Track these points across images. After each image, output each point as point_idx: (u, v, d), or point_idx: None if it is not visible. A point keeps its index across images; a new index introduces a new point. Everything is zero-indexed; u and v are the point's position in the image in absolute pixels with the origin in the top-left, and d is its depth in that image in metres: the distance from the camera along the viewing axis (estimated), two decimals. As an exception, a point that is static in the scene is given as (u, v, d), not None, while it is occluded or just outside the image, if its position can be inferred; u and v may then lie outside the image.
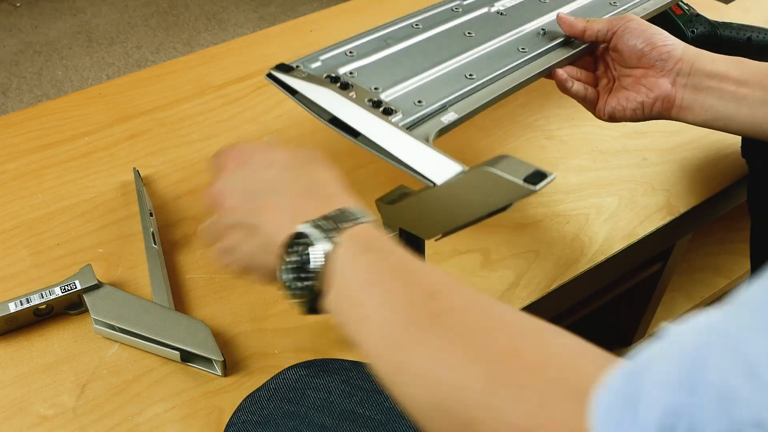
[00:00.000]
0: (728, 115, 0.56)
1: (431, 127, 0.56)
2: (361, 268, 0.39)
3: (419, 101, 0.58)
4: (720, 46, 0.91)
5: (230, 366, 0.59)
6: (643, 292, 0.98)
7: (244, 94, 0.86)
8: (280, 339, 0.61)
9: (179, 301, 0.63)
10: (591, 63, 0.68)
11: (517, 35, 0.68)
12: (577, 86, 0.65)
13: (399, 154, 0.50)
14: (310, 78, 0.59)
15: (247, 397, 0.51)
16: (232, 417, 0.50)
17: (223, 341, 0.61)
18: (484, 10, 0.72)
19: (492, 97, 0.61)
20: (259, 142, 0.51)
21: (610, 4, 0.73)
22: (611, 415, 0.25)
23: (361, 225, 0.41)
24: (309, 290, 0.40)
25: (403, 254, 0.40)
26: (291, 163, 0.46)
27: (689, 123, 0.60)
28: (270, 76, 0.60)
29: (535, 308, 0.66)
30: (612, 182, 0.77)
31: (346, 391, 0.49)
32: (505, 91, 0.62)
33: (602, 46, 0.66)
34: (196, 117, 0.83)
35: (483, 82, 0.62)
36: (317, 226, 0.40)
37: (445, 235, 0.50)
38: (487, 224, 0.72)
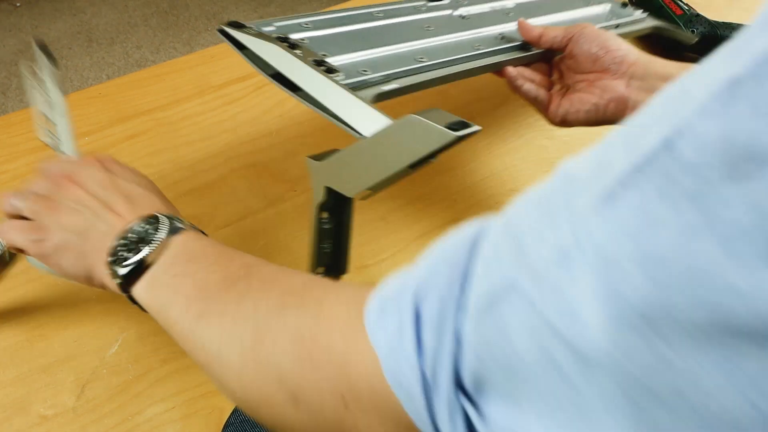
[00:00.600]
0: None
1: (370, 92, 0.57)
2: (188, 249, 0.43)
3: (364, 70, 0.59)
4: (720, 46, 0.91)
5: (230, 366, 0.59)
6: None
7: (244, 94, 0.86)
8: (280, 339, 0.61)
9: (179, 301, 0.63)
10: (547, 70, 0.68)
11: (475, 35, 0.69)
12: (528, 86, 0.65)
13: (333, 107, 0.52)
14: (260, 35, 0.59)
15: None
16: (230, 417, 0.50)
17: (223, 341, 0.61)
18: (448, 12, 0.73)
19: (436, 77, 0.61)
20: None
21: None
22: (380, 310, 0.28)
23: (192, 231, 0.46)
24: (137, 262, 0.43)
25: (223, 248, 0.44)
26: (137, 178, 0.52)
27: None
28: (221, 31, 0.60)
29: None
30: (612, 182, 0.77)
31: None
32: (451, 74, 0.62)
33: (558, 56, 0.66)
34: (196, 117, 0.83)
35: (431, 65, 0.62)
36: (166, 217, 0.45)
37: (372, 191, 0.49)
38: (487, 224, 0.72)
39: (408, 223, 0.72)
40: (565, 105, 0.63)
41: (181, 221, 0.46)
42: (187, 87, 0.87)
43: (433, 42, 0.66)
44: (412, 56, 0.63)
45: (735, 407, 0.17)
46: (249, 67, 0.81)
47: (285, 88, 0.55)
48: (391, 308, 0.27)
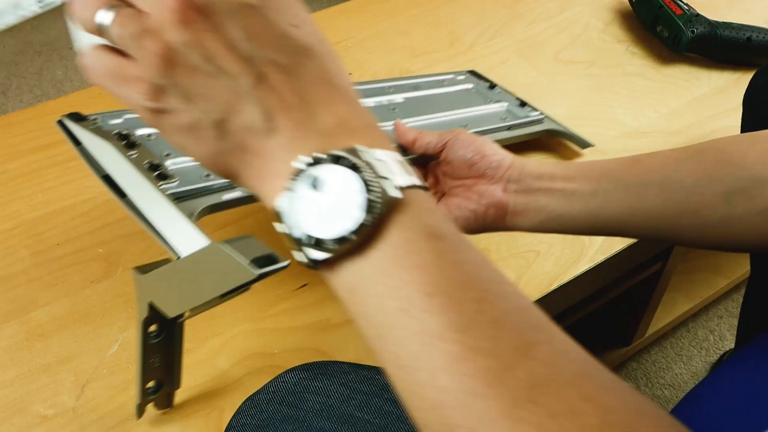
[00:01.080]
0: (562, 213, 0.54)
1: (206, 200, 0.54)
2: (420, 262, 0.27)
3: (207, 174, 0.55)
4: (720, 46, 0.91)
5: (230, 366, 0.59)
6: (643, 292, 0.98)
7: (244, 94, 0.86)
8: (280, 339, 0.61)
9: (179, 301, 0.63)
10: (422, 174, 0.64)
11: None
12: None
13: (153, 219, 0.46)
14: (97, 130, 0.53)
15: (246, 400, 0.51)
16: (231, 420, 0.50)
17: (223, 341, 0.61)
18: None
19: None
20: None
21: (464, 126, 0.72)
22: None
23: (420, 190, 0.30)
24: (340, 241, 0.28)
25: (476, 258, 0.29)
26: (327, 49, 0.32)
27: (525, 230, 0.57)
28: (60, 123, 0.54)
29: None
30: (612, 182, 0.77)
31: (345, 395, 0.49)
32: None
33: (433, 162, 0.63)
34: (196, 117, 0.83)
35: None
36: (369, 160, 0.28)
37: (192, 313, 0.44)
38: (487, 224, 0.72)
39: (408, 223, 0.72)
40: (442, 210, 0.55)
41: (391, 172, 0.29)
42: (187, 87, 0.87)
43: None
44: None
45: None
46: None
47: (115, 194, 0.48)
48: None
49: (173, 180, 0.53)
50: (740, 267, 1.15)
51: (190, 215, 0.47)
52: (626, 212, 0.51)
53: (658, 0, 0.94)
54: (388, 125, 0.68)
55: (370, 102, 0.74)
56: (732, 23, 0.91)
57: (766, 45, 0.90)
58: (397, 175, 0.29)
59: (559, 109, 0.85)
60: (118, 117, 0.59)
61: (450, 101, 0.78)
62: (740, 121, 0.74)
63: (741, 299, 0.87)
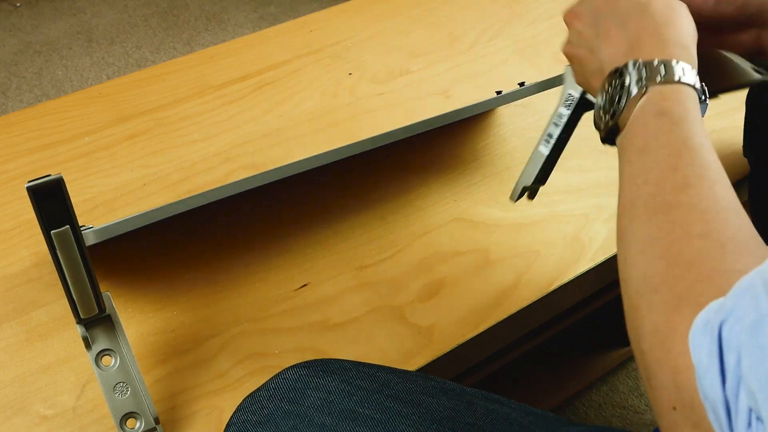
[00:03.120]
0: None
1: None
2: (647, 131, 0.41)
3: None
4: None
5: (231, 366, 0.59)
6: (643, 292, 0.97)
7: (244, 94, 0.86)
8: (280, 339, 0.61)
9: (179, 301, 0.63)
10: None
11: None
12: None
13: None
14: None
15: (247, 397, 0.51)
16: (232, 417, 0.50)
17: (223, 341, 0.61)
18: None
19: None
20: None
21: None
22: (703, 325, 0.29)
23: (672, 86, 0.42)
24: (606, 123, 0.45)
25: (688, 130, 0.41)
26: None
27: None
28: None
29: (535, 308, 0.66)
30: (612, 182, 0.77)
31: (346, 391, 0.49)
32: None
33: None
34: (196, 117, 0.83)
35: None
36: (638, 70, 0.43)
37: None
38: (487, 224, 0.72)
39: (408, 223, 0.72)
40: None
41: (653, 73, 0.43)
42: (187, 87, 0.87)
43: None
44: None
45: None
46: (249, 67, 0.81)
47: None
48: (706, 326, 0.29)
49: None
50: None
51: None
52: None
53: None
54: None
55: None
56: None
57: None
58: (660, 77, 0.43)
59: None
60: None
61: None
62: (743, 121, 0.74)
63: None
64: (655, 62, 0.43)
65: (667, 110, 0.41)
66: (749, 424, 0.25)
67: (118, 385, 0.53)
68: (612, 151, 0.86)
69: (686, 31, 0.46)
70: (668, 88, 0.42)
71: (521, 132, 0.83)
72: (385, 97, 0.86)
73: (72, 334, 0.60)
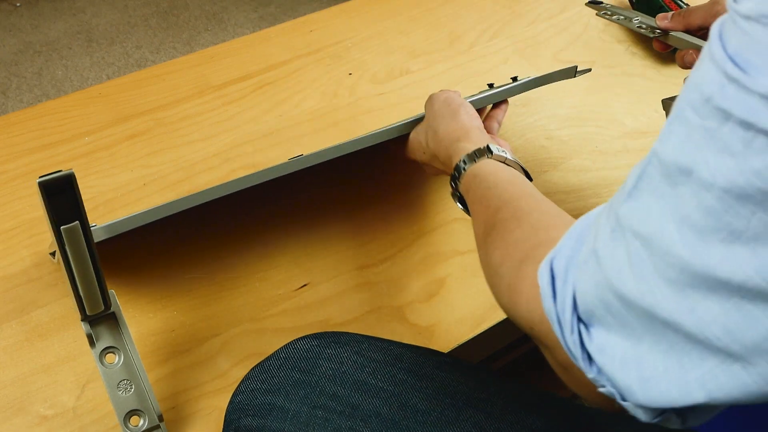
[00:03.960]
0: None
1: None
2: (476, 189, 0.54)
3: None
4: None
5: (230, 366, 0.59)
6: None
7: (244, 94, 0.86)
8: (280, 339, 0.61)
9: (179, 301, 0.63)
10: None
11: None
12: None
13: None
14: None
15: (256, 366, 0.50)
16: (239, 385, 0.50)
17: (223, 341, 0.61)
18: None
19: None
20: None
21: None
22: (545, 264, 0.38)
23: (473, 166, 0.56)
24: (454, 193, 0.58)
25: (490, 182, 0.53)
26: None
27: None
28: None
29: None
30: (612, 182, 0.77)
31: (358, 362, 0.49)
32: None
33: None
34: (196, 117, 0.83)
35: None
36: (462, 160, 0.57)
37: None
38: (487, 224, 0.72)
39: (408, 223, 0.72)
40: None
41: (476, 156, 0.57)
42: (187, 87, 0.87)
43: None
44: None
45: None
46: (249, 67, 0.81)
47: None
48: (545, 265, 0.38)
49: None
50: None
51: None
52: None
53: (658, 0, 0.94)
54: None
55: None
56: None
57: (766, 45, 0.90)
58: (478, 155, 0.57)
59: (559, 109, 0.85)
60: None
61: None
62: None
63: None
64: (477, 149, 0.57)
65: (482, 176, 0.54)
66: (572, 330, 0.35)
67: (121, 383, 0.52)
68: (612, 151, 0.86)
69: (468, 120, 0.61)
70: (479, 164, 0.56)
71: (521, 132, 0.83)
72: (385, 97, 0.86)
73: (72, 334, 0.60)
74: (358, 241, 0.70)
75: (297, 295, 0.65)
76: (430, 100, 0.67)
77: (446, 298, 0.66)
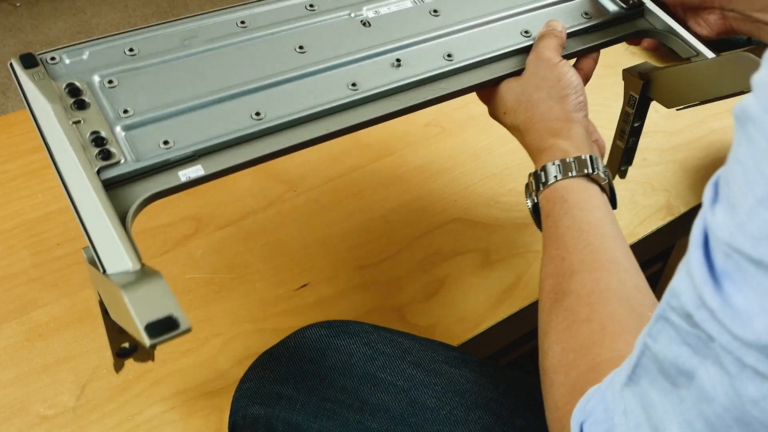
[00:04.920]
0: None
1: (157, 184, 0.44)
2: (558, 220, 0.47)
3: (166, 141, 0.44)
4: (720, 46, 0.91)
5: (230, 366, 0.59)
6: (643, 292, 0.97)
7: (244, 94, 0.86)
8: (280, 339, 0.61)
9: (179, 301, 0.63)
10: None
11: (354, 64, 0.51)
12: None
13: (84, 218, 0.41)
14: (45, 86, 0.44)
15: (264, 353, 0.49)
16: (247, 372, 0.49)
17: (223, 341, 0.61)
18: (344, 14, 0.54)
19: (271, 150, 0.46)
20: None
21: (522, 33, 0.57)
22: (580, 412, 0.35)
23: (566, 181, 0.48)
24: (532, 199, 0.51)
25: (575, 218, 0.46)
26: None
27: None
28: (12, 66, 0.47)
29: (535, 309, 0.66)
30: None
31: (367, 354, 0.49)
32: (300, 143, 0.47)
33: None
34: (196, 117, 0.83)
35: (270, 127, 0.46)
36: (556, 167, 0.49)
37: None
38: (487, 224, 0.72)
39: (408, 223, 0.72)
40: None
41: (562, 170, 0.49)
42: (187, 87, 0.87)
43: (285, 81, 0.48)
44: (247, 111, 0.46)
45: None
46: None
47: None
48: (575, 423, 0.35)
49: (116, 160, 0.42)
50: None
51: (129, 207, 0.43)
52: None
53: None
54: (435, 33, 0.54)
55: (408, 3, 0.56)
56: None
57: (765, 45, 0.90)
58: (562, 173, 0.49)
59: (559, 109, 0.85)
60: (82, 53, 0.47)
61: None
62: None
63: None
64: (568, 159, 0.49)
65: (562, 202, 0.47)
66: None
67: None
68: (612, 151, 0.85)
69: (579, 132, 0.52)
70: (559, 185, 0.48)
71: (521, 132, 0.83)
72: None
73: (72, 334, 0.60)
74: (358, 241, 0.70)
75: (297, 295, 0.65)
76: (538, 60, 0.53)
77: (446, 298, 0.66)
